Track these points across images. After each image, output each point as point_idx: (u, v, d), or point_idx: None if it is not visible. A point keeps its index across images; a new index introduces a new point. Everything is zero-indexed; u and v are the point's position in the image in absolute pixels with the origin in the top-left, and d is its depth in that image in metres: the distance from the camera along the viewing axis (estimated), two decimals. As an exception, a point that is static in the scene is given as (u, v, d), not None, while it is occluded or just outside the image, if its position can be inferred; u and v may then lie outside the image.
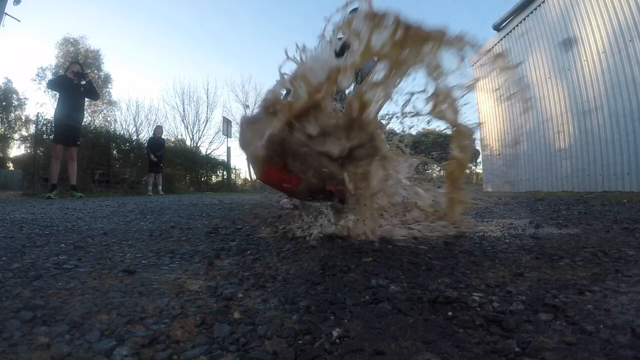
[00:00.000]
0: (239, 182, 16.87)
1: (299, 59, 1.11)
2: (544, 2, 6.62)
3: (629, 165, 5.14)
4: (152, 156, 8.34)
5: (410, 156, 1.46)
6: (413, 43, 0.98)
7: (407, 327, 0.52)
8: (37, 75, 19.73)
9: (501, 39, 7.89)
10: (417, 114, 1.27)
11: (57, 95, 5.70)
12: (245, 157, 1.07)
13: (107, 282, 0.78)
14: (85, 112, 6.06)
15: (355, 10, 1.06)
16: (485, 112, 8.13)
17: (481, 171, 9.65)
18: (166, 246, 1.21)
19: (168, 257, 1.04)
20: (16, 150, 18.69)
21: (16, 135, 19.13)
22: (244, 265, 0.92)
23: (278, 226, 1.51)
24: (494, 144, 7.88)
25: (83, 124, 6.72)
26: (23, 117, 19.47)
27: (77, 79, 5.38)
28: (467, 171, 1.38)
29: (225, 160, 16.83)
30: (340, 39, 1.08)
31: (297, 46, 1.11)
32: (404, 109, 1.30)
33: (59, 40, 20.50)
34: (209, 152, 20.05)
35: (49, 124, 7.90)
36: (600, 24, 5.49)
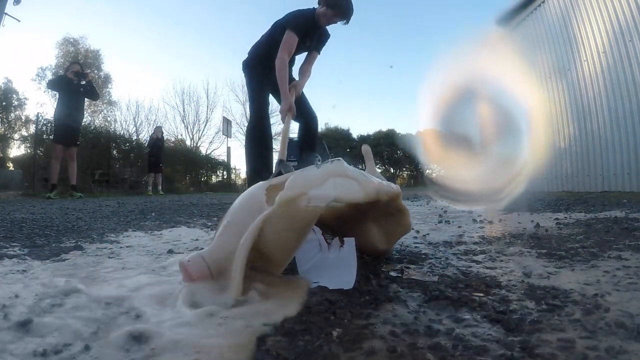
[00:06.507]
0: (239, 182, 16.83)
1: None
2: (544, 2, 6.62)
3: (629, 165, 5.13)
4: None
5: None
6: None
7: (408, 327, 0.52)
8: (37, 75, 19.59)
9: (501, 39, 7.88)
10: None
11: (57, 95, 5.70)
12: None
13: (107, 282, 0.78)
14: (85, 112, 6.06)
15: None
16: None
17: (481, 171, 9.65)
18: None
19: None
20: (16, 150, 18.61)
21: (16, 135, 19.05)
22: (244, 265, 0.92)
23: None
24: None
25: (83, 124, 6.72)
26: (23, 117, 19.39)
27: (77, 79, 5.38)
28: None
29: (225, 160, 16.83)
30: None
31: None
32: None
33: (59, 40, 20.44)
34: (209, 152, 20.06)
35: (49, 124, 7.89)
36: (600, 24, 5.49)
